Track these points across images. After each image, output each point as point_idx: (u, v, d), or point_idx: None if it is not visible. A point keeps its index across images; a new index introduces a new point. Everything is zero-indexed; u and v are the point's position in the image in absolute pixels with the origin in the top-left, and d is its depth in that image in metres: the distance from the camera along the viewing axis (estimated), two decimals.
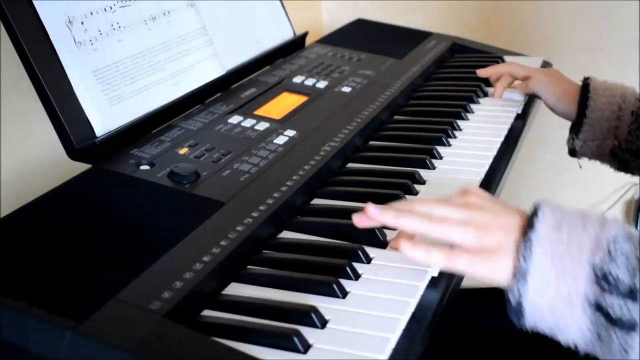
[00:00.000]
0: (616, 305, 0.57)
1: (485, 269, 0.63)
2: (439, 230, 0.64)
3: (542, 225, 0.61)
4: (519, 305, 0.61)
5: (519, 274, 0.60)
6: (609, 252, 0.59)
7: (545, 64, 1.30)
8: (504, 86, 1.13)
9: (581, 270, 0.59)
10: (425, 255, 0.64)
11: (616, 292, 0.58)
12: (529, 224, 0.62)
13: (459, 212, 0.65)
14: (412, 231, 0.67)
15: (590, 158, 1.06)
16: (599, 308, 0.58)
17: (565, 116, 1.07)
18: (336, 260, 0.68)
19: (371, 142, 0.98)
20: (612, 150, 1.01)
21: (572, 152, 1.05)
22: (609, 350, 0.59)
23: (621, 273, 0.58)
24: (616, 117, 1.00)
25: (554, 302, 0.59)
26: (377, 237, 0.72)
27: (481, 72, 1.16)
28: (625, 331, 0.57)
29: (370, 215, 0.67)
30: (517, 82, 1.15)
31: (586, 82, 1.03)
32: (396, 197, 0.78)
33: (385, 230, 0.73)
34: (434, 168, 0.90)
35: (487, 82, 1.18)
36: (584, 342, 0.60)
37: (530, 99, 1.15)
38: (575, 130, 1.02)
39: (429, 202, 0.67)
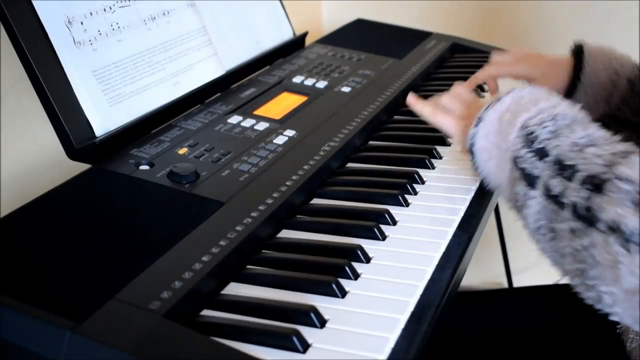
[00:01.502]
0: (527, 157, 0.67)
1: (457, 127, 0.83)
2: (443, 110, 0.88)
3: (508, 98, 0.75)
4: (472, 147, 0.76)
5: (476, 120, 0.76)
6: (542, 118, 0.68)
7: None
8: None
9: (514, 127, 0.70)
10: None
11: (529, 147, 0.67)
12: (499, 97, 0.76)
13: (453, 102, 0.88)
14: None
15: None
16: (515, 158, 0.69)
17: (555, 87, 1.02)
18: (335, 260, 0.68)
19: (371, 142, 0.98)
20: (599, 117, 0.96)
21: None
22: (516, 201, 0.69)
23: (542, 134, 0.67)
24: (612, 84, 0.95)
25: (493, 146, 0.73)
26: (376, 236, 0.72)
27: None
28: (527, 185, 0.66)
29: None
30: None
31: (579, 46, 0.98)
32: (396, 197, 0.79)
33: (385, 230, 0.73)
34: (433, 168, 0.90)
35: None
36: (507, 191, 0.71)
37: None
38: (567, 96, 0.97)
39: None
